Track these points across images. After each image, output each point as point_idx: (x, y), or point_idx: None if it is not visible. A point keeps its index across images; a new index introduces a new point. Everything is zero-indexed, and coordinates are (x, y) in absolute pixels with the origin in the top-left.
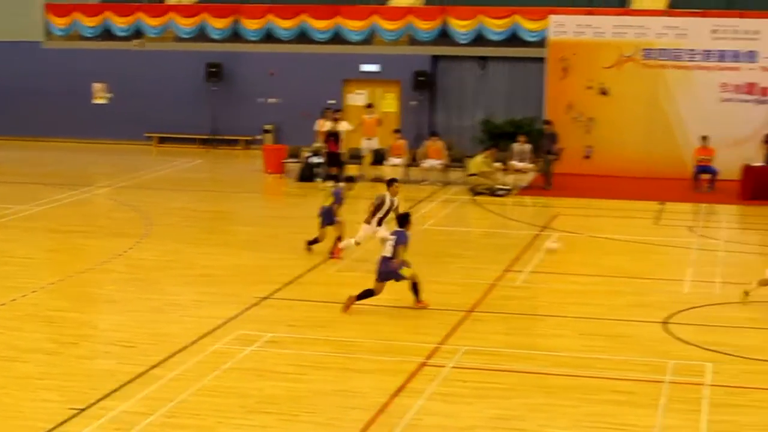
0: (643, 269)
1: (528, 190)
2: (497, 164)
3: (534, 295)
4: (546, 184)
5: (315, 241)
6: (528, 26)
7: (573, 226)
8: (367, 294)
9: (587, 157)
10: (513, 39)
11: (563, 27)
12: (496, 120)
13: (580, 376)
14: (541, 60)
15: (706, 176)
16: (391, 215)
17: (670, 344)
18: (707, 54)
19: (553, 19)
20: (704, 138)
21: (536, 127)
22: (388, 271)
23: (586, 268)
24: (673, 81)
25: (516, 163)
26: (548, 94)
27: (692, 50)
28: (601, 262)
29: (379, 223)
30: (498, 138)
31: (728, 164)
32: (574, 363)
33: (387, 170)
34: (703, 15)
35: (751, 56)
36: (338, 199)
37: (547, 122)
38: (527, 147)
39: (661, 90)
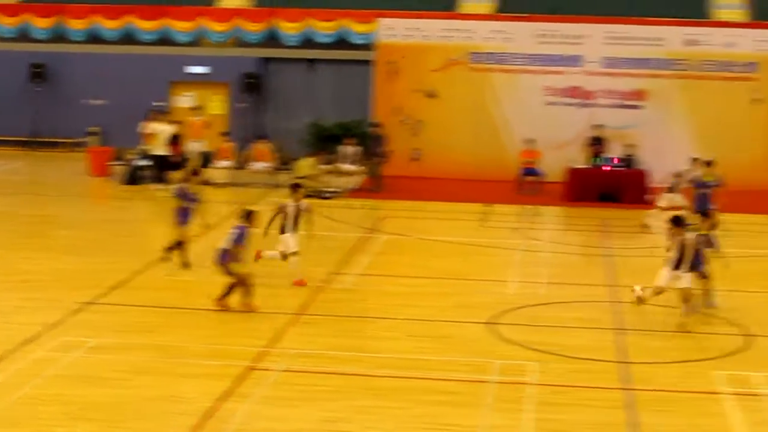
0: (469, 271)
1: (356, 192)
2: (325, 167)
3: (362, 297)
4: (375, 187)
5: (176, 246)
6: (357, 29)
7: (401, 229)
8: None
9: (415, 159)
10: (342, 41)
11: (392, 30)
12: (324, 123)
13: (407, 378)
14: (369, 63)
15: (531, 178)
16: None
17: (496, 344)
18: (532, 58)
19: (382, 22)
20: (529, 141)
21: (364, 129)
22: (223, 263)
23: (414, 270)
24: (500, 84)
25: (344, 166)
26: (376, 96)
27: (518, 54)
28: (429, 264)
29: (283, 231)
30: (326, 141)
31: (553, 166)
32: (401, 365)
33: (215, 174)
34: (529, 19)
35: (575, 60)
36: (186, 197)
37: (376, 125)
38: (355, 150)
39: (488, 93)
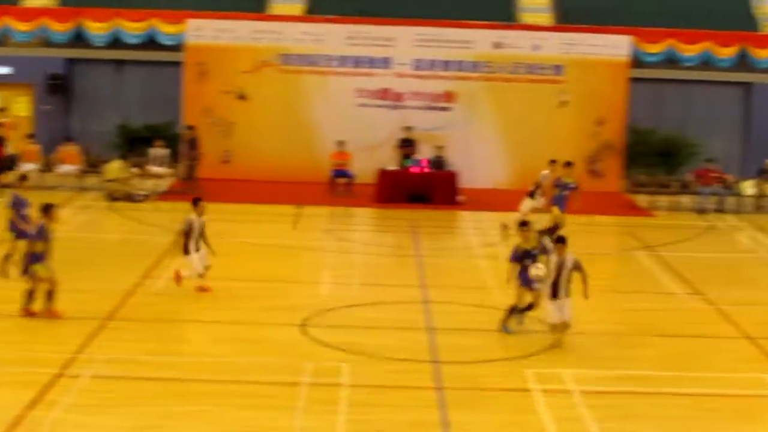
0: (282, 273)
1: (167, 195)
2: (134, 169)
3: (173, 300)
4: (190, 189)
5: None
6: (166, 30)
7: (213, 231)
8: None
9: (226, 161)
10: (151, 42)
11: (201, 31)
12: (133, 125)
13: (220, 382)
14: (179, 64)
15: (342, 180)
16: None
17: (310, 346)
18: (343, 60)
19: (191, 23)
20: (340, 143)
21: (174, 131)
22: (27, 265)
23: (226, 273)
24: (311, 86)
25: (154, 168)
26: (186, 98)
27: (329, 56)
28: (241, 267)
29: (187, 249)
30: (135, 143)
31: (364, 168)
32: (213, 368)
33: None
34: (339, 21)
35: (386, 62)
36: (20, 204)
37: (190, 127)
38: (165, 152)
39: (299, 95)
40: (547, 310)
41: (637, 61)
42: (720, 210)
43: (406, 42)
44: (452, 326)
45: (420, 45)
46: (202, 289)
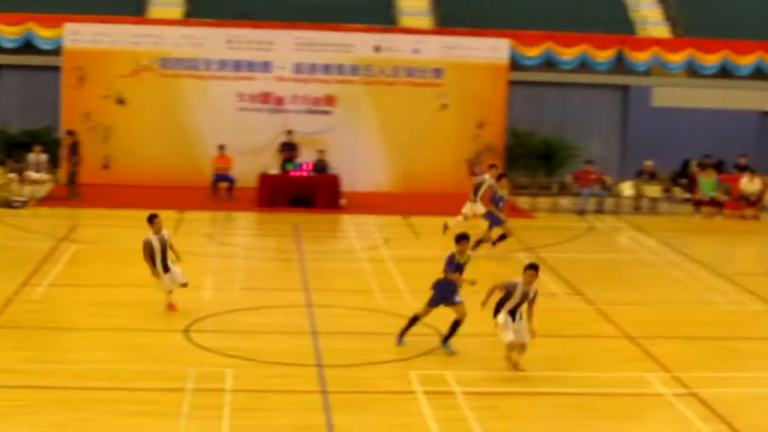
0: None
1: (46, 201)
2: (12, 175)
3: (54, 308)
4: (72, 195)
5: None
6: (43, 34)
7: (93, 237)
8: None
9: (106, 166)
10: (28, 46)
11: (79, 35)
12: (10, 130)
13: (104, 389)
14: (57, 68)
15: (224, 184)
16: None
17: (192, 352)
18: (223, 64)
19: (68, 27)
20: (221, 147)
21: (54, 136)
22: None
23: (107, 279)
24: (191, 90)
25: (32, 174)
26: (65, 103)
27: (208, 60)
28: (122, 273)
29: (161, 266)
30: (13, 148)
31: (246, 172)
32: (96, 376)
33: None
34: (219, 25)
35: (266, 66)
36: None
37: (70, 132)
38: (43, 157)
39: (179, 99)
40: (503, 331)
41: (516, 64)
42: (599, 211)
43: (286, 46)
44: (336, 330)
45: (300, 49)
46: (172, 308)
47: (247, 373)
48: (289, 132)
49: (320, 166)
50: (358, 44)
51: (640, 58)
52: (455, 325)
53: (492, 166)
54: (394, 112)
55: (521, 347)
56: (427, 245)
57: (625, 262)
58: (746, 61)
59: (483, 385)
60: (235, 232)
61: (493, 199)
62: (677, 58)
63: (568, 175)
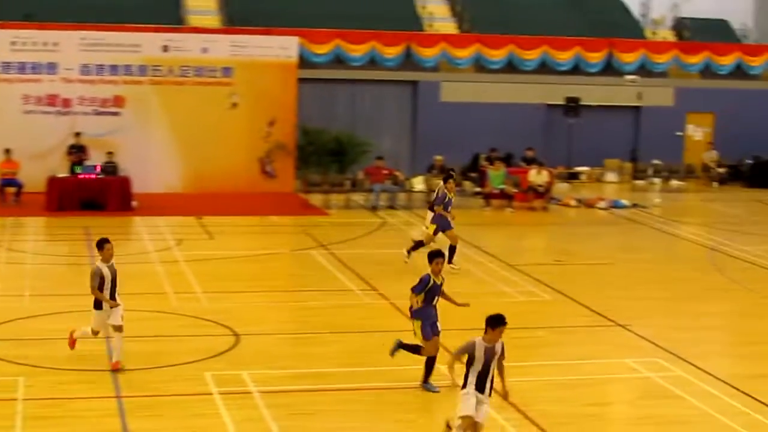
0: None
1: None
2: None
3: None
4: None
5: None
6: None
7: None
8: None
9: None
10: None
11: None
12: None
13: None
14: None
15: (11, 189)
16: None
17: None
18: (7, 66)
19: None
20: (8, 151)
21: None
22: None
23: None
24: None
25: None
26: None
27: None
28: None
29: (103, 291)
30: None
31: (33, 176)
32: None
33: None
34: (3, 27)
35: (52, 68)
36: None
37: None
38: None
39: None
40: (460, 402)
41: (306, 62)
42: (391, 206)
43: (72, 47)
44: (130, 333)
45: (86, 50)
46: (116, 367)
47: (40, 381)
48: (77, 134)
49: (110, 168)
50: (146, 44)
51: (429, 54)
52: (429, 362)
53: (451, 171)
54: (184, 112)
55: (474, 428)
56: (220, 245)
57: (418, 256)
58: (531, 56)
59: (280, 384)
60: (23, 237)
61: (442, 202)
62: (464, 53)
63: (360, 171)
